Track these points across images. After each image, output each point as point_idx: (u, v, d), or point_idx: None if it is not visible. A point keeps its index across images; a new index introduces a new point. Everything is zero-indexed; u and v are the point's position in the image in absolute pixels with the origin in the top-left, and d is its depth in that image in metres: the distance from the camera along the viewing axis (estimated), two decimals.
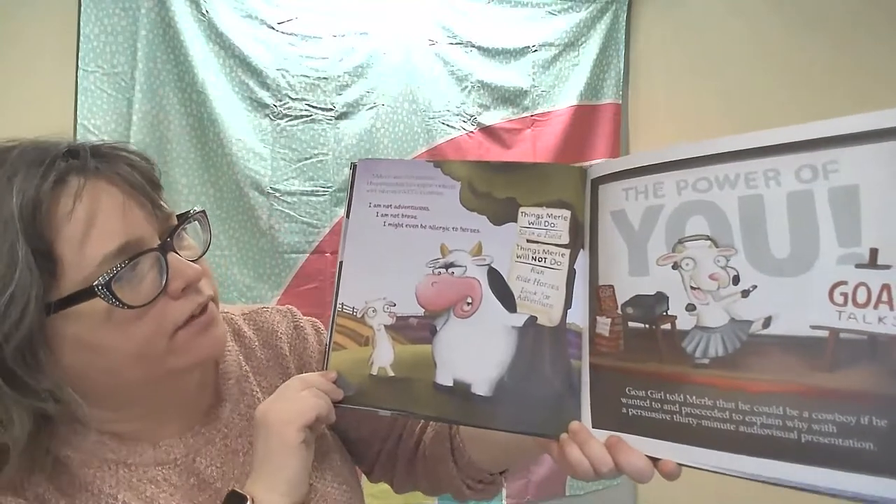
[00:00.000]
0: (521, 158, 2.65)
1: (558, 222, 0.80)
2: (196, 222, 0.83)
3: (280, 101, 2.34)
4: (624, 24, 2.76)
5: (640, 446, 0.69)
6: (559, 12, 2.71)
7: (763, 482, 0.62)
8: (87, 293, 0.68)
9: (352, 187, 0.89)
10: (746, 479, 0.63)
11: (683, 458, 0.67)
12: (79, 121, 2.12)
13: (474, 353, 0.79)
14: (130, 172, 0.74)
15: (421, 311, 0.83)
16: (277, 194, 2.33)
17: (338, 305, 0.86)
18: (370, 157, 2.36)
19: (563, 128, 2.69)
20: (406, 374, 0.81)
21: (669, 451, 0.68)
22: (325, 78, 2.40)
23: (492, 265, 0.81)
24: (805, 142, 0.64)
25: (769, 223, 0.65)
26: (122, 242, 0.70)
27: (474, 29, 2.61)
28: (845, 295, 0.60)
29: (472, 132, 2.61)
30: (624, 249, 0.75)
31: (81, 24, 2.12)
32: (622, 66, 2.77)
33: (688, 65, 2.59)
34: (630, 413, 0.71)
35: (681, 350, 0.69)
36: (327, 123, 2.40)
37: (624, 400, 0.72)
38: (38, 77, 2.10)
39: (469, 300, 0.81)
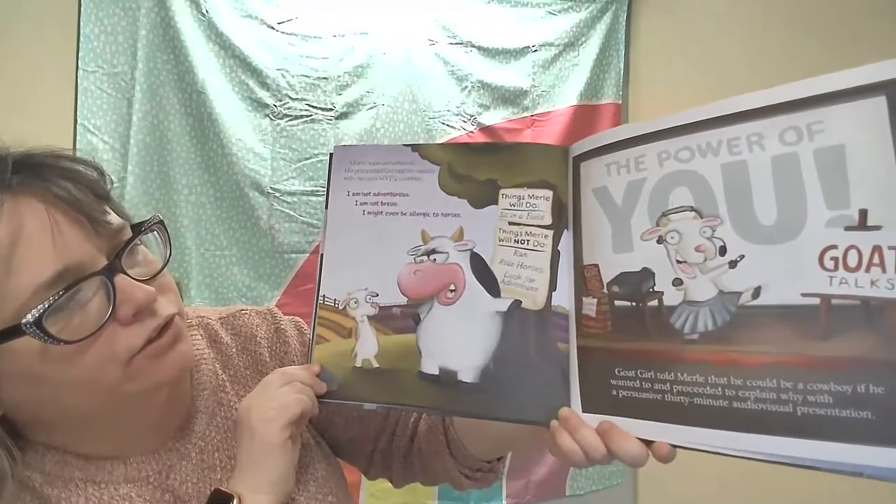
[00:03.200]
0: None
1: (540, 203, 0.78)
2: (155, 233, 0.76)
3: (280, 101, 2.33)
4: (624, 24, 2.74)
5: (633, 429, 0.66)
6: (559, 12, 2.69)
7: (760, 460, 0.59)
8: (14, 331, 0.61)
9: (330, 177, 0.87)
10: (743, 457, 0.60)
11: (677, 439, 0.64)
12: (79, 121, 2.11)
13: (459, 341, 0.77)
14: (64, 186, 0.66)
15: (404, 301, 0.80)
16: (277, 194, 2.31)
17: (319, 298, 0.83)
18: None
19: (564, 128, 2.66)
20: (391, 365, 0.79)
21: (663, 433, 0.65)
22: (325, 78, 2.39)
23: (474, 250, 0.79)
24: (788, 103, 0.61)
25: (754, 190, 0.63)
26: (58, 270, 0.63)
27: (474, 29, 2.59)
28: (836, 259, 0.57)
29: (472, 132, 2.59)
30: (607, 226, 0.72)
31: (81, 24, 2.11)
32: (622, 66, 2.75)
33: (688, 65, 2.58)
34: (620, 395, 0.68)
35: (669, 326, 0.66)
36: (327, 123, 2.39)
37: (613, 382, 0.69)
38: (39, 77, 2.10)
39: (452, 287, 0.79)
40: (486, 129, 2.61)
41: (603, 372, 0.70)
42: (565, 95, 2.69)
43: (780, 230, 0.61)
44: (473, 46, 2.59)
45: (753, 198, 0.63)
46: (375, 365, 0.79)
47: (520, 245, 0.77)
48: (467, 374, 0.75)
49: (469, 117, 2.58)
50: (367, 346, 0.80)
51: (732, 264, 0.63)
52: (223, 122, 2.24)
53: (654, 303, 0.68)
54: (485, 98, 2.61)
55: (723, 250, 0.64)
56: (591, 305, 0.73)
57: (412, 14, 2.51)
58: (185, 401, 0.85)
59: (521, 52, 2.65)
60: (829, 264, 0.57)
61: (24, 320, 0.61)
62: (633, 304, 0.69)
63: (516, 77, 2.65)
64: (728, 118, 0.65)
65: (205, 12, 2.23)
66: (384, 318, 0.80)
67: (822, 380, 0.56)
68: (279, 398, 0.75)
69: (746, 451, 0.60)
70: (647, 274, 0.69)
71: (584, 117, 2.69)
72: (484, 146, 0.84)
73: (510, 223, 0.78)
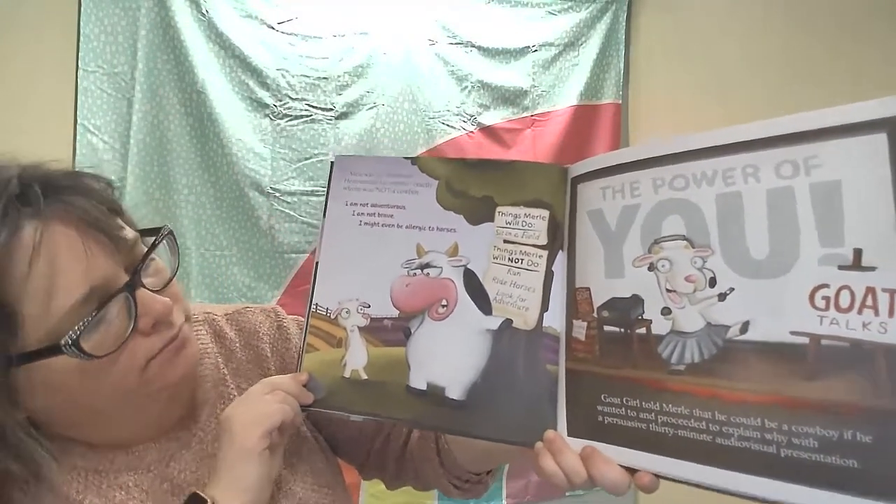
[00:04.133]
0: (522, 158, 2.58)
1: (536, 222, 0.78)
2: (164, 243, 0.79)
3: (280, 101, 2.31)
4: (624, 24, 2.70)
5: (616, 456, 0.66)
6: (559, 12, 2.66)
7: (741, 497, 0.58)
8: (53, 349, 0.65)
9: (330, 185, 0.87)
10: (724, 493, 0.59)
11: (660, 470, 0.63)
12: (79, 121, 2.10)
13: (449, 357, 0.77)
14: (86, 204, 0.69)
15: (395, 313, 0.81)
16: (277, 194, 2.30)
17: (312, 306, 0.83)
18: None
19: (564, 128, 2.64)
20: (379, 377, 0.79)
21: (646, 463, 0.64)
22: (325, 78, 2.37)
23: (468, 266, 0.79)
24: (785, 136, 0.60)
25: (748, 222, 0.61)
26: (88, 290, 0.67)
27: (474, 29, 2.57)
28: (827, 299, 0.56)
29: (472, 132, 2.57)
30: (600, 250, 0.72)
31: (81, 24, 2.10)
32: (622, 66, 2.71)
33: (688, 65, 2.57)
34: (606, 421, 0.68)
35: (656, 355, 0.66)
36: (327, 123, 2.37)
37: (599, 407, 0.69)
38: (39, 77, 2.09)
39: (444, 302, 0.79)
40: (486, 129, 2.59)
41: (590, 397, 0.70)
42: (565, 95, 2.67)
43: (771, 265, 0.60)
44: (473, 46, 2.57)
45: (746, 230, 0.62)
46: (364, 376, 0.80)
47: (514, 264, 0.77)
48: (455, 391, 0.76)
49: (469, 117, 2.56)
50: (357, 357, 0.80)
51: (722, 297, 0.62)
52: (223, 122, 2.23)
53: (643, 330, 0.67)
54: (485, 98, 2.59)
55: (713, 282, 0.63)
56: (580, 328, 0.72)
57: (412, 14, 2.49)
58: (188, 393, 0.87)
59: (521, 52, 2.63)
60: (821, 303, 0.56)
61: (62, 341, 0.64)
62: (622, 330, 0.69)
63: (516, 77, 2.62)
64: (724, 148, 0.63)
65: (205, 12, 2.21)
66: (375, 330, 0.81)
67: (808, 423, 0.55)
68: (261, 406, 0.76)
69: (728, 489, 0.59)
70: (636, 301, 0.68)
71: (585, 117, 2.67)
72: (482, 163, 0.84)
73: (505, 241, 0.78)
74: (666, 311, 0.66)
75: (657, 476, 0.64)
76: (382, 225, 0.83)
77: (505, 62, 2.62)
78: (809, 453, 0.55)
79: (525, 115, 2.64)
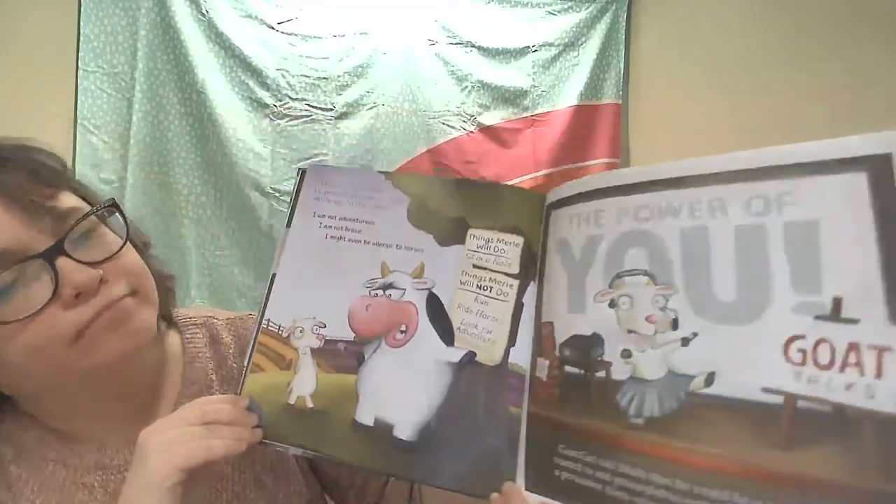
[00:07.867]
0: (522, 158, 2.57)
1: (509, 249, 0.71)
2: (117, 214, 0.74)
3: (280, 101, 2.29)
4: (624, 24, 2.65)
5: None
6: (559, 12, 2.61)
7: None
8: None
9: (298, 195, 0.79)
10: None
11: None
12: (79, 121, 2.09)
13: (401, 390, 0.68)
14: (11, 174, 0.67)
15: (351, 336, 0.71)
16: (277, 194, 2.27)
17: (263, 322, 0.74)
18: (366, 160, 2.32)
19: (564, 128, 2.59)
20: (325, 408, 0.69)
21: None
22: (325, 78, 2.34)
23: (433, 290, 0.71)
24: (756, 169, 0.52)
25: (714, 260, 0.53)
26: None
27: (474, 29, 2.53)
28: (804, 352, 0.47)
29: (472, 132, 2.53)
30: (565, 282, 0.64)
31: (81, 24, 2.10)
32: (622, 66, 2.66)
33: (688, 64, 2.53)
34: (562, 477, 0.58)
35: (615, 405, 0.56)
36: (327, 123, 2.34)
37: (556, 460, 0.59)
38: (38, 77, 2.08)
39: (403, 328, 0.71)
40: (486, 129, 2.55)
41: (548, 447, 0.61)
42: (565, 95, 2.62)
43: (739, 309, 0.51)
44: (473, 46, 2.53)
45: (712, 269, 0.53)
46: (310, 405, 0.70)
47: (482, 291, 0.70)
48: (404, 430, 0.67)
49: (469, 117, 2.52)
50: (305, 383, 0.71)
51: (685, 342, 0.53)
52: (223, 122, 2.21)
53: (602, 374, 0.58)
54: (485, 98, 2.55)
55: (675, 324, 0.54)
56: (543, 368, 0.64)
57: (412, 14, 2.47)
58: (171, 395, 0.83)
59: (521, 52, 2.58)
60: (796, 356, 0.47)
61: None
62: (582, 371, 0.60)
63: (516, 77, 2.58)
64: (691, 179, 0.56)
65: (205, 12, 2.20)
66: (327, 353, 0.72)
67: (785, 500, 0.46)
68: (186, 438, 0.64)
69: None
70: (596, 339, 0.60)
71: (585, 117, 2.62)
72: (460, 182, 0.77)
73: (475, 266, 0.71)
74: (626, 354, 0.57)
75: None
76: (349, 240, 0.76)
77: (505, 62, 2.57)
78: None
79: (525, 115, 2.60)
